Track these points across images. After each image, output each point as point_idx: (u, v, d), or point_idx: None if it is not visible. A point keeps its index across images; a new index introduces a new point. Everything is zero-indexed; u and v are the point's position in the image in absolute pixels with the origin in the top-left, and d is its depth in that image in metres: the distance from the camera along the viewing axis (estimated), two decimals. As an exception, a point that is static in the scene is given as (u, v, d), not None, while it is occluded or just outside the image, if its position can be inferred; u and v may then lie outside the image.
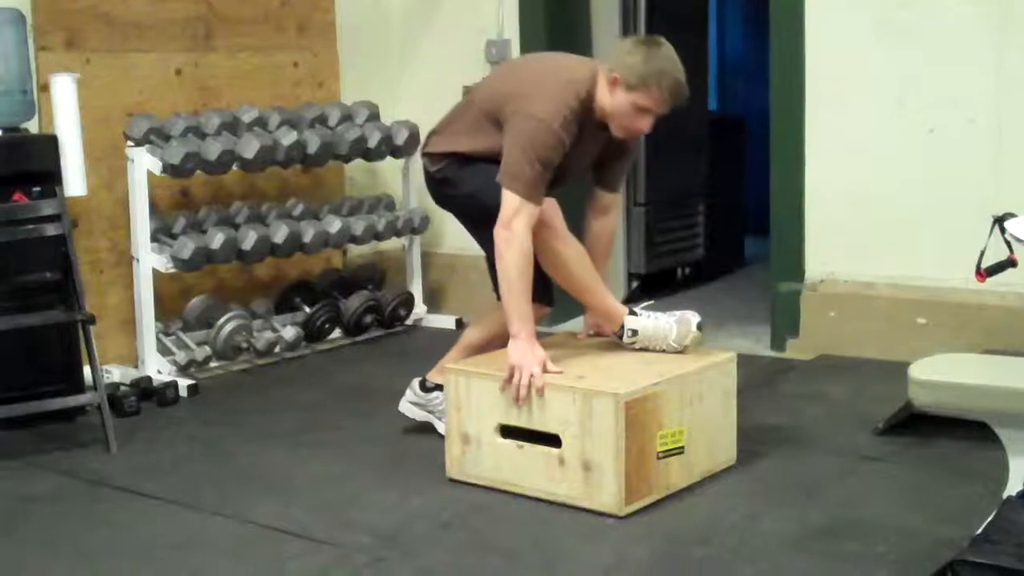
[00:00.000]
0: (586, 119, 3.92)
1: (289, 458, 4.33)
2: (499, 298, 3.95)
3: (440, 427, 4.28)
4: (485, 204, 3.91)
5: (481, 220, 3.96)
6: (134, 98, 5.52)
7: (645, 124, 3.92)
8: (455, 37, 6.51)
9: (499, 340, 4.05)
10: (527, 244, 3.82)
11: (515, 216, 3.80)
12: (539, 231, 3.89)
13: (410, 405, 4.45)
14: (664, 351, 4.04)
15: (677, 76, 3.87)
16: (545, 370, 3.76)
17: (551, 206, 3.94)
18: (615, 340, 4.13)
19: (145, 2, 5.56)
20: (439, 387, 4.31)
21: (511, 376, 3.76)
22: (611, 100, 3.89)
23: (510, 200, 3.82)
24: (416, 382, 4.45)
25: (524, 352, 3.79)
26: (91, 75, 5.27)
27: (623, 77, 3.84)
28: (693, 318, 4.07)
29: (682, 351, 4.04)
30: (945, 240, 5.16)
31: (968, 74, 5.10)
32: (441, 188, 4.21)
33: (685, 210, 7.22)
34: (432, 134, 4.27)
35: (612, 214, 4.34)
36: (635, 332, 4.06)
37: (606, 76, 3.89)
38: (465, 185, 4.10)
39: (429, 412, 4.41)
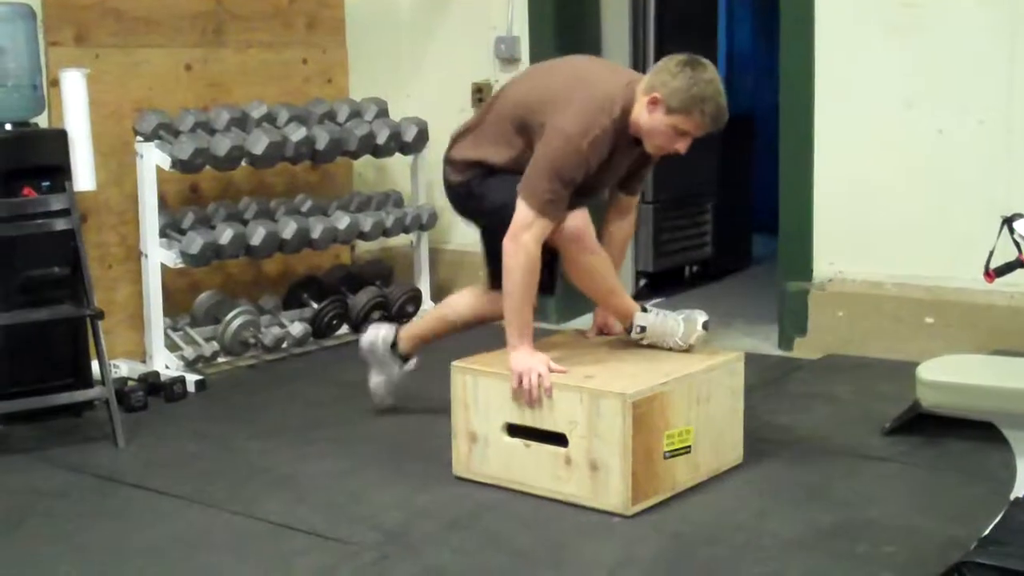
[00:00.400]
0: (619, 136, 3.86)
1: (296, 454, 4.33)
2: (492, 286, 4.08)
3: (373, 380, 4.60)
4: (509, 220, 3.88)
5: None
6: (143, 93, 5.53)
7: (682, 146, 3.86)
8: (464, 34, 6.50)
9: (481, 321, 4.29)
10: (535, 258, 3.82)
11: (525, 230, 3.80)
12: (569, 244, 3.89)
13: (368, 346, 4.59)
14: (671, 349, 4.04)
15: (720, 101, 3.78)
16: (551, 370, 3.78)
17: (583, 219, 3.89)
18: (623, 337, 4.14)
19: (154, -3, 5.58)
20: (405, 358, 4.56)
21: (520, 382, 3.77)
22: (649, 120, 3.81)
23: (523, 213, 3.80)
24: (386, 334, 4.56)
25: (526, 358, 3.80)
26: (100, 70, 5.28)
27: (664, 99, 3.76)
28: (700, 317, 4.08)
29: (687, 349, 4.05)
30: (954, 240, 5.15)
31: (978, 75, 5.09)
32: (466, 202, 4.16)
33: (693, 208, 7.22)
34: (455, 139, 4.21)
35: (631, 215, 4.32)
36: (643, 328, 4.06)
37: (646, 94, 3.81)
38: (491, 198, 4.05)
39: (379, 364, 4.59)
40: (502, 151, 4.01)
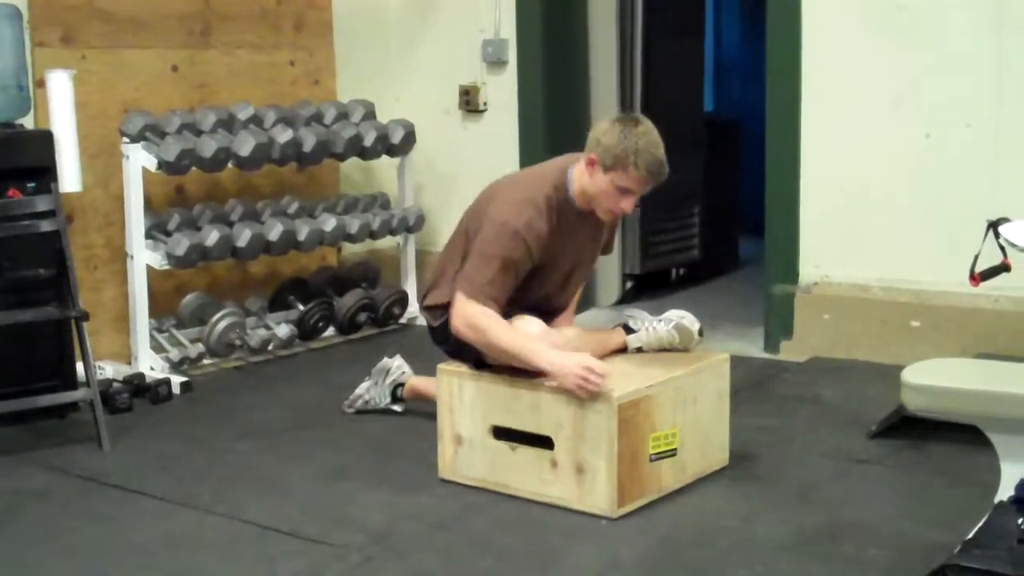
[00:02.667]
0: (563, 213, 3.86)
1: (282, 457, 4.33)
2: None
3: (361, 387, 4.75)
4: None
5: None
6: (130, 94, 5.53)
7: (628, 204, 3.84)
8: (452, 36, 6.50)
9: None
10: (486, 315, 3.75)
11: (466, 308, 3.77)
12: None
13: (380, 368, 4.72)
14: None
15: (654, 152, 3.77)
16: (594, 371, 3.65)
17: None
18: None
19: (142, -2, 5.57)
20: (400, 400, 4.67)
21: (583, 389, 3.62)
22: (591, 183, 3.82)
23: (461, 302, 3.79)
24: (399, 376, 4.67)
25: (564, 363, 3.65)
26: (87, 71, 5.28)
27: (599, 158, 3.76)
28: (692, 325, 4.10)
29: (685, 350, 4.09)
30: (939, 244, 5.17)
31: (965, 78, 5.10)
32: (447, 343, 4.11)
33: (680, 211, 7.22)
34: (429, 289, 4.18)
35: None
36: (639, 349, 4.06)
37: (584, 160, 3.83)
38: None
39: (374, 385, 4.71)
40: None
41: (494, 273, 3.77)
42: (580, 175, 3.87)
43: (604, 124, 3.82)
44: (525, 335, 3.80)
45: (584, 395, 3.62)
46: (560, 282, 4.07)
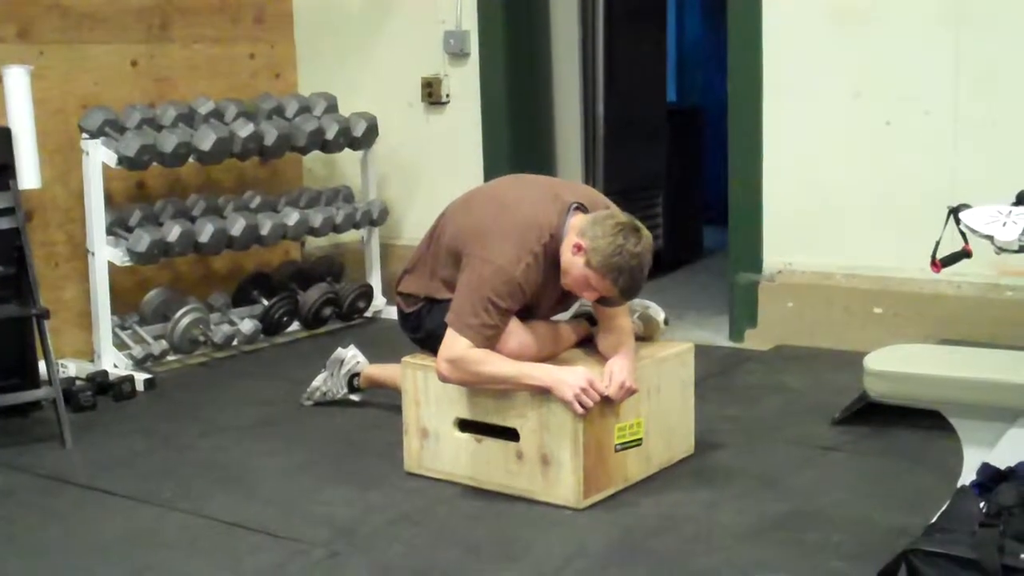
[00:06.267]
0: (551, 261, 3.82)
1: (247, 452, 4.31)
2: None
3: (317, 379, 4.77)
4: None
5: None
6: (89, 90, 5.49)
7: (590, 296, 3.83)
8: (413, 28, 6.48)
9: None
10: (476, 353, 3.72)
11: (451, 348, 3.73)
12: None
13: (334, 358, 4.74)
14: None
15: (637, 278, 3.73)
16: (593, 387, 3.65)
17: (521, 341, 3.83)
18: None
19: (100, -8, 5.53)
20: (357, 389, 4.70)
21: (581, 405, 3.62)
22: (569, 260, 3.76)
23: (453, 340, 3.73)
24: (354, 366, 4.67)
25: (564, 379, 3.66)
26: (45, 67, 5.24)
27: (587, 252, 3.70)
28: (657, 315, 4.10)
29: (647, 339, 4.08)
30: (901, 231, 5.20)
31: (924, 66, 5.13)
32: (416, 332, 4.12)
33: (644, 200, 7.22)
34: (405, 273, 4.17)
35: (616, 326, 3.98)
36: None
37: (576, 235, 3.75)
38: (426, 323, 4.03)
39: (330, 376, 4.72)
40: (445, 285, 3.95)
41: (492, 319, 3.73)
42: (566, 241, 3.79)
43: (610, 225, 3.73)
44: (514, 358, 3.76)
45: (579, 409, 3.61)
46: (548, 312, 4.04)
